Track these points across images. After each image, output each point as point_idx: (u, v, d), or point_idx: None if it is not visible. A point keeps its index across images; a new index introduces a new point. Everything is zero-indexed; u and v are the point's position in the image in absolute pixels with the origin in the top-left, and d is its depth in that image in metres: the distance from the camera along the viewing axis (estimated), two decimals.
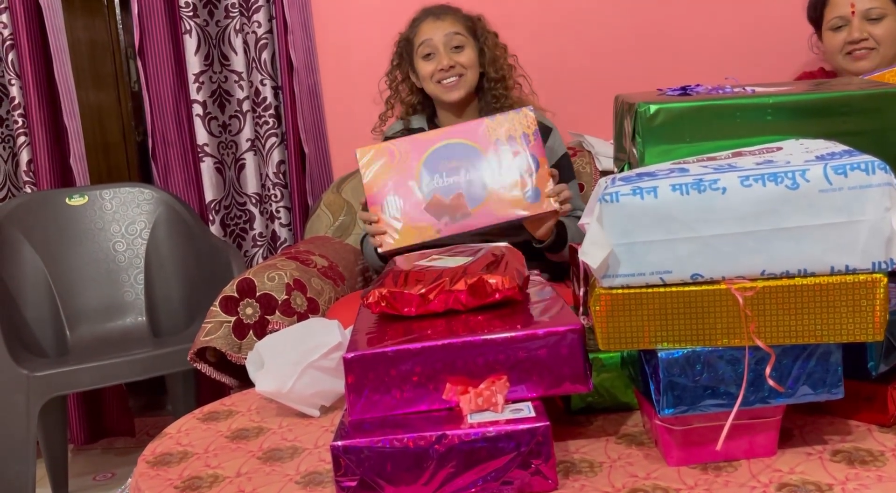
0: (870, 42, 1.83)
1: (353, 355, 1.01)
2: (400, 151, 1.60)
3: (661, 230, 0.95)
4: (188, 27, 2.30)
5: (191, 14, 2.30)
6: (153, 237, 2.33)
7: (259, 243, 2.45)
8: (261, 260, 2.43)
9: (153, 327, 2.30)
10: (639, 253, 0.96)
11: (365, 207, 1.62)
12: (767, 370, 0.96)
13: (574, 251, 1.30)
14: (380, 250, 1.58)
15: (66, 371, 1.89)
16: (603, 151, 2.22)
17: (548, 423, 0.95)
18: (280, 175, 2.42)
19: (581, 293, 1.26)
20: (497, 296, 1.10)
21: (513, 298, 1.11)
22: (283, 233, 2.45)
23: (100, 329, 2.25)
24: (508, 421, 0.95)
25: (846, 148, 0.98)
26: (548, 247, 1.73)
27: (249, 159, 2.41)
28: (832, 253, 0.94)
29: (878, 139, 1.07)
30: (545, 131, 1.90)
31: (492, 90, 1.94)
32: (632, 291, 0.97)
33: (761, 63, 2.28)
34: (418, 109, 2.02)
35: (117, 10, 3.14)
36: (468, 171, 1.57)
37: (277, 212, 2.44)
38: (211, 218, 2.38)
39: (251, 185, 2.42)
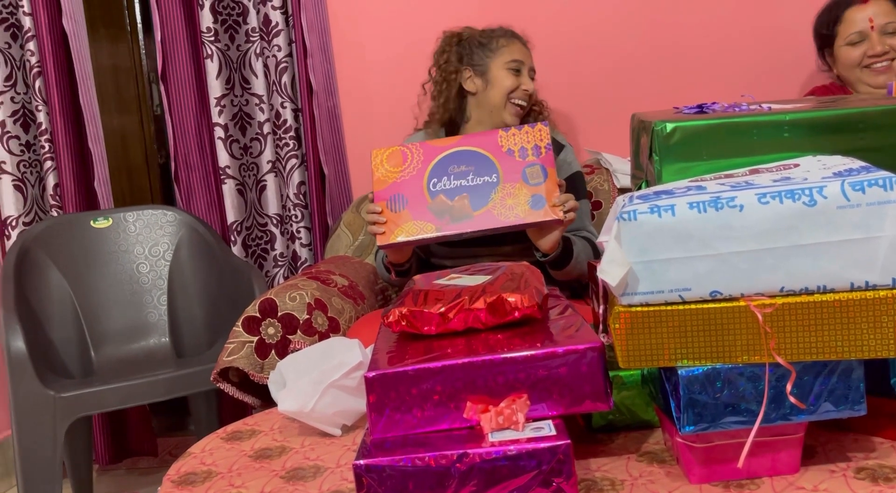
0: (891, 54, 1.87)
1: (374, 373, 1.02)
2: (412, 154, 1.63)
3: (680, 248, 0.95)
4: (210, 52, 2.34)
5: (212, 39, 2.34)
6: (176, 259, 2.35)
7: (280, 263, 2.47)
8: (282, 280, 2.45)
9: (176, 348, 2.32)
10: (657, 271, 0.96)
11: (372, 201, 1.64)
12: (788, 387, 0.96)
13: (593, 269, 1.30)
14: (378, 244, 1.60)
15: (91, 392, 1.91)
16: (620, 168, 2.22)
17: (569, 441, 0.95)
18: (300, 196, 2.45)
19: (600, 311, 1.26)
20: (516, 314, 1.11)
21: (532, 316, 1.12)
22: (303, 253, 2.47)
23: (124, 350, 2.28)
24: (529, 440, 0.95)
25: (864, 164, 0.98)
26: (552, 261, 1.72)
27: (270, 181, 2.43)
28: (851, 269, 0.94)
29: None
30: (557, 148, 1.92)
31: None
32: (651, 308, 0.97)
33: (777, 80, 2.29)
34: (446, 115, 1.98)
35: (140, 36, 3.20)
36: (476, 176, 1.59)
37: (298, 232, 2.47)
38: (233, 239, 2.41)
39: (272, 206, 2.45)
